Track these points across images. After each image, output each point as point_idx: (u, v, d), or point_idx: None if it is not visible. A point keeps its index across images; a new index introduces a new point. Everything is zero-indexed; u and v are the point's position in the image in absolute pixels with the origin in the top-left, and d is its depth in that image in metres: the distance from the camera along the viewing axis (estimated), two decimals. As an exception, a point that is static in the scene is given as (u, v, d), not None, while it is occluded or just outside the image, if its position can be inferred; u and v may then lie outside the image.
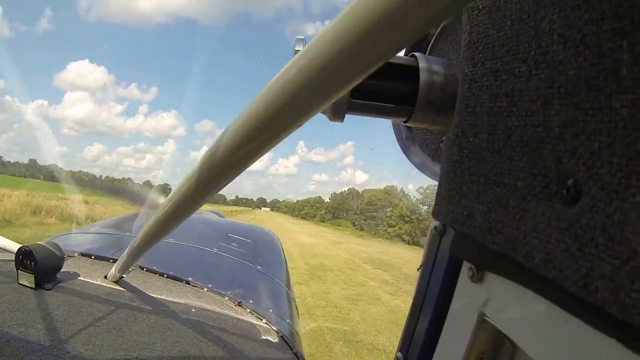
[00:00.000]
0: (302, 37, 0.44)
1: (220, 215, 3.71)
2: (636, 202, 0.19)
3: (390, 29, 0.25)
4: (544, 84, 0.27)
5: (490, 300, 0.35)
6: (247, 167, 0.48)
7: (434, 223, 0.51)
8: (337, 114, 0.46)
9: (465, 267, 0.41)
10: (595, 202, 0.22)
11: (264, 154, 0.45)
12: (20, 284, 1.18)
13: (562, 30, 0.25)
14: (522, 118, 0.29)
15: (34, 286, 1.17)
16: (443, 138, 0.43)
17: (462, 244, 0.39)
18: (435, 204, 0.43)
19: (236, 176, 0.51)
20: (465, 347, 0.39)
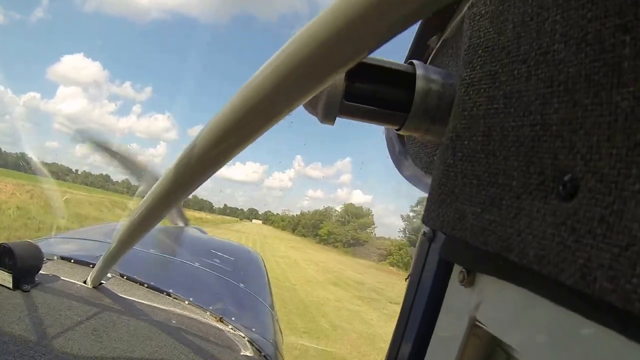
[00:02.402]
0: None
1: (203, 232, 3.64)
2: (636, 190, 0.19)
3: (375, 19, 0.26)
4: (543, 83, 0.27)
5: (482, 303, 0.35)
6: (224, 163, 0.48)
7: (423, 229, 0.50)
8: (328, 116, 0.45)
9: (456, 271, 0.40)
10: (594, 194, 0.21)
11: (240, 151, 0.45)
12: None
13: (565, 30, 0.25)
14: (519, 118, 0.29)
15: (11, 286, 1.14)
16: (437, 150, 0.42)
17: (452, 246, 0.38)
18: (425, 210, 0.42)
19: (212, 174, 0.51)
20: (456, 355, 0.38)
